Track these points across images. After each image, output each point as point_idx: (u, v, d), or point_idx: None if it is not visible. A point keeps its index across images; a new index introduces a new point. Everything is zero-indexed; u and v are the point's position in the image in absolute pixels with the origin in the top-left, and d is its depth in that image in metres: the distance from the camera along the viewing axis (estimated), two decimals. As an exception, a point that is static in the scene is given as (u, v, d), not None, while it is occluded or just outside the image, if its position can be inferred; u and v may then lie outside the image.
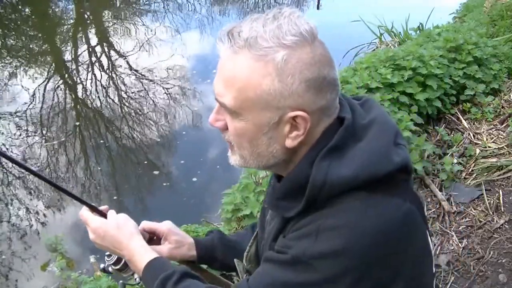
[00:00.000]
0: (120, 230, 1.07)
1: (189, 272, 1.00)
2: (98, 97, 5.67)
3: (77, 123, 5.01)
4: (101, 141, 4.74)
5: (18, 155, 4.48)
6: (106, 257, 1.12)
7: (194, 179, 4.05)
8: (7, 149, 4.56)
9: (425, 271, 0.83)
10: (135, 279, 1.14)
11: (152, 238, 1.16)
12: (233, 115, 0.78)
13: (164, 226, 1.16)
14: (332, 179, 0.74)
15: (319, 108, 0.77)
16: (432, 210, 2.81)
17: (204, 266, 1.22)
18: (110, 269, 1.12)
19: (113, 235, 1.06)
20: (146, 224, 1.16)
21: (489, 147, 3.30)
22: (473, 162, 3.19)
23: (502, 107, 3.74)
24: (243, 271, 1.08)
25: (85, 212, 1.12)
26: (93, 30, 8.11)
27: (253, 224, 1.26)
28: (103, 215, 1.12)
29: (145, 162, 4.47)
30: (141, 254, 1.04)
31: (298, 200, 0.78)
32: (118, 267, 1.11)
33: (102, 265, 1.14)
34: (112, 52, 7.09)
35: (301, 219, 0.78)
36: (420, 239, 0.82)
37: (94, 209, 1.12)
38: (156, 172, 4.29)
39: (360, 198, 0.74)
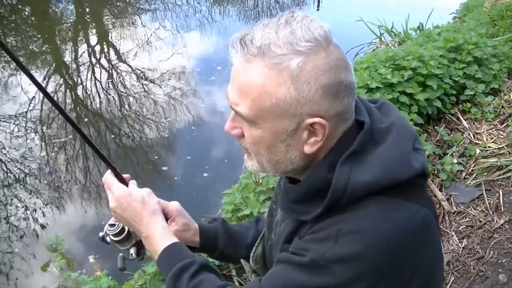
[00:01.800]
0: (144, 205, 1.05)
1: (207, 265, 0.99)
2: (98, 96, 5.67)
3: (86, 120, 5.00)
4: (105, 138, 4.74)
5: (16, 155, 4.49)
6: (108, 226, 1.12)
7: (205, 174, 4.08)
8: (7, 149, 4.56)
9: (437, 277, 0.83)
10: (131, 254, 1.14)
11: None
12: (250, 123, 0.77)
13: (174, 207, 1.17)
14: (354, 184, 0.73)
15: (337, 113, 0.76)
16: (432, 210, 2.81)
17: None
18: (108, 238, 1.12)
19: (136, 209, 1.05)
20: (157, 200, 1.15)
21: (489, 147, 3.30)
22: (473, 162, 3.19)
23: (502, 107, 3.74)
24: (251, 271, 1.07)
25: (109, 177, 1.09)
26: (93, 30, 8.11)
27: (258, 218, 1.26)
28: (125, 183, 1.09)
29: (147, 158, 4.48)
30: (161, 236, 1.03)
31: (315, 203, 0.77)
32: (117, 238, 1.11)
33: (101, 234, 1.13)
34: (112, 52, 7.09)
35: (318, 222, 0.77)
36: (434, 244, 0.82)
37: (117, 175, 1.09)
38: (165, 168, 4.32)
39: (380, 203, 0.74)
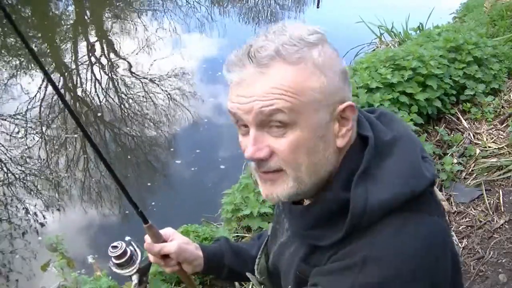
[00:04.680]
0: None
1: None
2: (100, 94, 5.67)
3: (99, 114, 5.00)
4: (106, 138, 4.74)
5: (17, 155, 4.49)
6: (110, 248, 1.08)
7: (222, 166, 4.10)
8: (6, 149, 4.56)
9: (460, 280, 0.83)
10: (133, 282, 1.12)
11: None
12: (287, 128, 0.72)
13: (168, 229, 1.14)
14: (372, 205, 0.70)
15: (351, 99, 0.78)
16: (432, 210, 2.81)
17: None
18: (111, 262, 1.10)
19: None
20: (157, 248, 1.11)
21: (489, 147, 3.30)
22: (473, 162, 3.19)
23: (502, 107, 3.74)
24: (258, 284, 1.06)
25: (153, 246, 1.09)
26: (93, 30, 8.11)
27: (259, 235, 1.23)
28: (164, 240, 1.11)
29: (152, 158, 4.48)
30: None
31: (333, 227, 0.74)
32: (118, 261, 1.08)
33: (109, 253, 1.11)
34: (112, 52, 7.09)
35: (338, 246, 0.74)
36: (454, 249, 0.81)
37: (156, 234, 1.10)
38: (178, 161, 4.35)
39: (400, 220, 0.71)
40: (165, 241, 1.10)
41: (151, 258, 1.11)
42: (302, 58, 0.71)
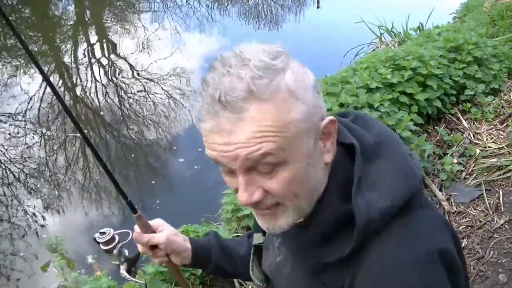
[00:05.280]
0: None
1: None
2: (100, 94, 5.67)
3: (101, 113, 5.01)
4: (106, 138, 4.75)
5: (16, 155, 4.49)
6: (98, 234, 1.09)
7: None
8: (6, 149, 4.56)
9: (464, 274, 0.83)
10: (122, 272, 1.13)
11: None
12: (277, 168, 0.69)
13: (157, 220, 1.14)
14: (375, 216, 0.69)
15: (326, 111, 0.74)
16: (432, 210, 2.81)
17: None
18: (101, 245, 1.11)
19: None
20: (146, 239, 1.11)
21: (489, 147, 3.30)
22: (473, 162, 3.19)
23: (502, 107, 3.74)
24: None
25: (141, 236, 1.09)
26: (93, 30, 8.12)
27: (249, 234, 1.22)
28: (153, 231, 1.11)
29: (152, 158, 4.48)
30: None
31: (337, 242, 0.73)
32: (106, 248, 1.09)
33: (94, 237, 1.12)
34: (112, 52, 7.09)
35: (350, 263, 0.72)
36: (456, 237, 0.81)
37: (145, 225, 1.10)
38: (181, 160, 4.34)
39: (404, 224, 0.71)
40: (154, 231, 1.10)
41: (140, 248, 1.11)
42: (276, 91, 0.65)
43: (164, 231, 1.10)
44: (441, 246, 0.72)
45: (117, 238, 1.11)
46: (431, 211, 0.77)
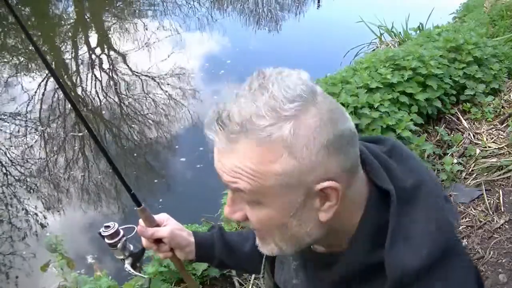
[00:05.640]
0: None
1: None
2: (100, 94, 5.67)
3: (104, 112, 5.01)
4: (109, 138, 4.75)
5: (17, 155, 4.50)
6: (103, 227, 1.09)
7: None
8: (6, 148, 4.56)
9: None
10: (126, 266, 1.12)
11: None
12: (252, 204, 0.69)
13: (163, 214, 1.14)
14: (408, 273, 0.67)
15: (345, 169, 0.67)
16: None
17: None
18: (105, 239, 1.11)
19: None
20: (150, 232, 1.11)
21: (489, 147, 3.30)
22: (473, 162, 3.19)
23: (502, 107, 3.74)
24: None
25: (146, 230, 1.09)
26: (93, 30, 8.12)
27: None
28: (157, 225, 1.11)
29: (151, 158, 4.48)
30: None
31: (364, 286, 0.72)
32: (110, 241, 1.09)
33: (99, 231, 1.11)
34: (112, 52, 7.09)
35: None
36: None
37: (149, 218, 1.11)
38: (183, 159, 4.35)
39: (436, 277, 0.69)
40: (158, 225, 1.09)
41: (144, 242, 1.11)
42: (269, 137, 0.62)
43: (168, 225, 1.10)
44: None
45: (121, 232, 1.11)
46: (462, 262, 0.73)
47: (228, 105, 0.64)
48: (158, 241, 1.10)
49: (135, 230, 1.10)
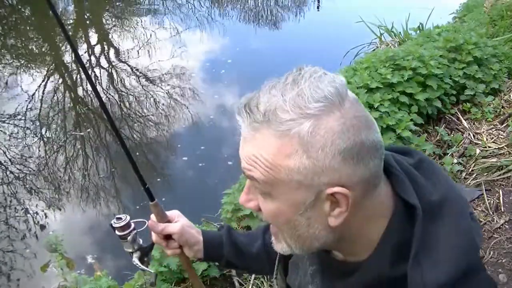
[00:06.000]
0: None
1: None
2: (101, 93, 5.66)
3: (84, 118, 5.01)
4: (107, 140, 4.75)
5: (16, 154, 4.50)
6: (115, 219, 1.11)
7: (230, 162, 4.10)
8: (6, 148, 4.56)
9: None
10: (134, 260, 1.13)
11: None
12: (264, 195, 0.70)
13: (174, 211, 1.14)
14: (431, 287, 0.67)
15: (362, 179, 0.66)
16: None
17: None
18: (116, 231, 1.12)
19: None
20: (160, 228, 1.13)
21: (489, 147, 3.30)
22: (473, 162, 3.19)
23: (502, 107, 3.75)
24: None
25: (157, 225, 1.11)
26: (93, 30, 8.12)
27: (267, 227, 1.19)
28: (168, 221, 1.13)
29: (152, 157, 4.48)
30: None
31: None
32: (120, 233, 1.10)
33: (111, 222, 1.12)
34: (112, 51, 7.10)
35: None
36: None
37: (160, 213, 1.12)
38: (185, 158, 4.35)
39: None
40: (169, 221, 1.11)
41: (154, 237, 1.12)
42: (288, 131, 0.63)
43: (179, 222, 1.11)
44: None
45: (132, 225, 1.12)
46: (484, 281, 0.73)
47: (260, 94, 0.66)
48: (167, 237, 1.11)
49: (146, 224, 1.12)
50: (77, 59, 1.02)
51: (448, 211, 0.71)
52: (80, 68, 1.06)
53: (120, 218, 1.11)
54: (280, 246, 0.76)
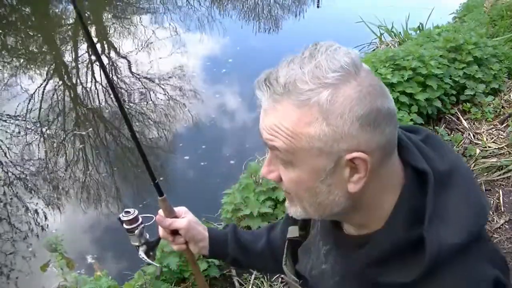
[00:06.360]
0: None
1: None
2: (101, 93, 5.67)
3: (103, 112, 5.01)
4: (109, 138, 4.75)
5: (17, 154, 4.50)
6: (123, 212, 1.13)
7: (232, 161, 4.09)
8: (7, 148, 4.56)
9: None
10: (140, 254, 1.15)
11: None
12: (286, 165, 0.73)
13: (182, 207, 1.17)
14: (445, 252, 0.69)
15: (379, 145, 0.69)
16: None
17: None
18: (124, 224, 1.13)
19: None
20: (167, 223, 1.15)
21: (489, 147, 3.30)
22: (473, 162, 3.19)
23: (502, 107, 3.75)
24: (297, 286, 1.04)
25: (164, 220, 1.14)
26: (92, 30, 8.11)
27: (271, 226, 1.21)
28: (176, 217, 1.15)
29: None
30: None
31: (397, 266, 0.73)
32: (128, 227, 1.13)
33: (119, 216, 1.15)
34: (112, 51, 7.09)
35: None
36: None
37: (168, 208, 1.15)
38: (186, 157, 4.37)
39: (469, 257, 0.72)
40: (176, 217, 1.14)
41: (161, 232, 1.15)
42: (307, 101, 0.67)
43: (186, 218, 1.14)
44: (497, 276, 0.72)
45: (140, 219, 1.15)
46: (493, 244, 0.77)
47: (279, 68, 0.70)
48: (174, 232, 1.14)
49: (153, 219, 1.14)
50: (99, 61, 1.04)
51: (457, 180, 0.74)
52: (101, 71, 1.14)
53: (129, 212, 1.14)
54: (294, 210, 0.79)
